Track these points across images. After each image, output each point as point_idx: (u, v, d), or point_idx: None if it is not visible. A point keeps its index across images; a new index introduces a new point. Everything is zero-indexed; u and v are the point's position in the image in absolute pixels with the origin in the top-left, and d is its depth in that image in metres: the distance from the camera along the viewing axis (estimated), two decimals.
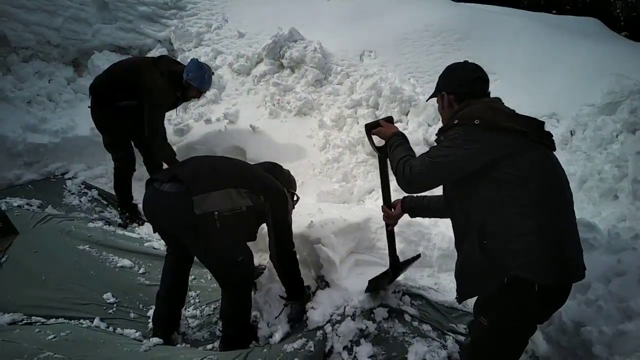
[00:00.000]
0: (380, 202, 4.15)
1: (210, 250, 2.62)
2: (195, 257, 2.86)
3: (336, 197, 4.23)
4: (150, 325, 2.92)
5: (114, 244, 3.60)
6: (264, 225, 2.95)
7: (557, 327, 2.55)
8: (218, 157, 3.11)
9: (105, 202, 4.57)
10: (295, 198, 3.19)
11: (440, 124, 2.35)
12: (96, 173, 4.83)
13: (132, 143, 4.28)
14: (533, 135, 2.02)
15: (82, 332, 2.71)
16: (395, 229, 2.88)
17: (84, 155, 4.87)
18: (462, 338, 2.84)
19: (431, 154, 2.06)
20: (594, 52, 5.42)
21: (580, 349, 2.41)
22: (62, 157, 4.79)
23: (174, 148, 4.26)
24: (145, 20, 6.41)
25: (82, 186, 4.65)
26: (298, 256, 3.22)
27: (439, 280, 3.39)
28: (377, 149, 2.57)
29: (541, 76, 5.14)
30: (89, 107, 4.14)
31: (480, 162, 1.95)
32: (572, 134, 4.42)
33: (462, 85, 2.21)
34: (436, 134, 2.28)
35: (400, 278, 3.16)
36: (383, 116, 4.76)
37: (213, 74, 4.18)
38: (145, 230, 4.02)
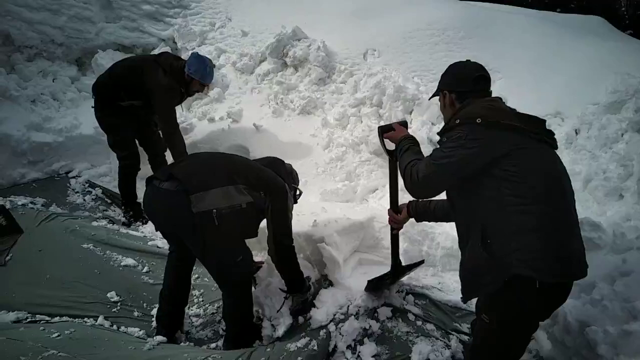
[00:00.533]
0: (384, 201, 4.18)
1: (209, 250, 2.60)
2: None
3: (340, 196, 4.22)
4: (154, 323, 2.93)
5: (118, 243, 3.61)
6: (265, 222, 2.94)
7: (561, 327, 2.54)
8: (217, 154, 3.09)
9: (109, 201, 4.58)
10: (297, 192, 3.17)
11: (443, 123, 2.34)
12: (100, 172, 4.84)
13: (137, 142, 4.29)
14: (534, 133, 2.04)
15: (86, 331, 2.71)
16: None
17: (88, 154, 4.88)
18: (466, 338, 2.83)
19: (435, 156, 2.05)
20: (598, 50, 5.39)
21: (584, 349, 2.41)
22: (66, 156, 4.80)
23: None
24: (149, 19, 6.43)
25: (86, 185, 4.66)
26: (302, 255, 3.22)
27: (442, 280, 3.38)
28: (388, 152, 2.55)
29: (546, 75, 5.12)
30: (92, 107, 4.15)
31: (483, 160, 1.95)
32: (576, 133, 4.40)
33: (463, 84, 2.22)
34: (438, 134, 2.28)
35: (403, 278, 3.16)
36: (387, 115, 4.79)
37: (214, 66, 4.17)
38: (149, 229, 4.02)
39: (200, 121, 5.22)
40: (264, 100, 5.35)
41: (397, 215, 2.72)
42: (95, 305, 3.01)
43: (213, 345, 2.93)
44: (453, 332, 2.90)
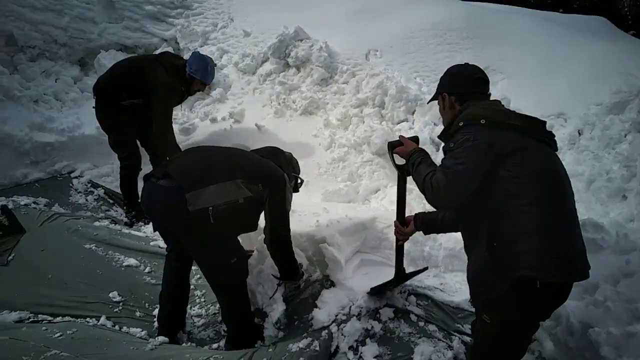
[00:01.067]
0: (386, 202, 4.18)
1: (203, 249, 2.58)
2: None
3: (342, 197, 4.22)
4: (156, 324, 2.93)
5: (120, 243, 3.61)
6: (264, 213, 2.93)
7: (564, 328, 2.53)
8: (214, 148, 3.01)
9: (111, 201, 4.58)
10: (299, 181, 3.14)
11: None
12: (102, 172, 4.84)
13: (138, 142, 4.29)
14: (536, 133, 2.04)
15: (89, 331, 2.71)
16: None
17: (90, 154, 4.89)
18: (468, 339, 2.83)
19: (447, 164, 2.00)
20: (601, 51, 5.39)
21: (587, 351, 2.40)
22: (69, 156, 4.81)
23: (180, 147, 4.26)
24: (152, 19, 6.44)
25: (89, 185, 4.66)
26: (304, 255, 3.22)
27: (445, 281, 3.37)
28: (397, 167, 2.54)
29: (548, 75, 5.12)
30: (93, 107, 4.16)
31: (490, 160, 1.95)
32: (579, 134, 4.39)
33: (463, 86, 2.23)
34: (439, 137, 2.28)
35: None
36: (389, 115, 4.79)
37: (216, 65, 4.16)
38: (151, 229, 4.01)
39: (202, 121, 5.23)
40: (266, 101, 5.35)
41: (404, 228, 2.69)
42: (97, 306, 3.01)
43: (215, 345, 2.93)
44: (455, 333, 2.90)
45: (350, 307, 2.92)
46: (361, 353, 2.74)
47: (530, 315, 2.01)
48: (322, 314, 2.86)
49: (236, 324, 2.81)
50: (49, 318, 2.84)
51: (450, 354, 2.76)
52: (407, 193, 2.69)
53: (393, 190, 4.23)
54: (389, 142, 2.47)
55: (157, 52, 5.97)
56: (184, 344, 2.89)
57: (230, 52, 6.03)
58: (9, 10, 5.61)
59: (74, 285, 3.12)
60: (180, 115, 5.33)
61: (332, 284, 3.12)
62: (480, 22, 5.90)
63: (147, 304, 3.13)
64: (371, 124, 4.64)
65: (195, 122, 5.18)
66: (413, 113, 4.75)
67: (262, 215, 2.86)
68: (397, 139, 2.48)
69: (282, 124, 5.04)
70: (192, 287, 3.31)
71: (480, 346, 2.19)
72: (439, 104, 2.35)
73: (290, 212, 3.33)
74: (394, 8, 6.27)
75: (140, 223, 4.26)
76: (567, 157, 4.23)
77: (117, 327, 2.89)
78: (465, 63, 2.37)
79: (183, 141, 4.88)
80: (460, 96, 2.22)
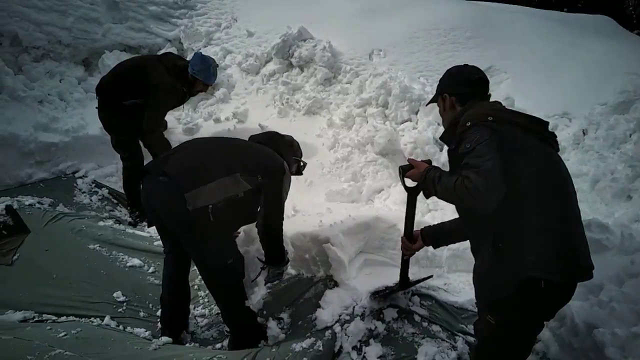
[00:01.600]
0: (390, 202, 4.17)
1: (201, 249, 2.58)
2: None
3: (345, 197, 4.22)
4: (160, 324, 2.93)
5: (124, 243, 3.62)
6: None
7: (569, 329, 2.52)
8: (210, 142, 2.95)
9: (115, 201, 4.59)
10: (301, 164, 3.11)
11: None
12: (106, 172, 4.85)
13: (141, 142, 4.29)
14: (539, 133, 2.04)
15: (93, 330, 2.72)
16: None
17: (94, 154, 4.90)
18: (472, 339, 2.82)
19: (475, 163, 1.89)
20: (606, 50, 5.36)
21: (592, 351, 2.39)
22: (73, 156, 4.82)
23: (170, 143, 4.21)
24: (155, 19, 6.45)
25: (93, 185, 4.67)
26: (307, 255, 3.22)
27: (448, 281, 3.36)
28: (408, 189, 2.51)
29: (553, 75, 5.10)
30: (96, 107, 4.17)
31: (503, 156, 1.90)
32: (584, 134, 4.37)
33: (463, 86, 2.22)
34: (441, 139, 2.25)
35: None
36: (392, 115, 4.78)
37: (218, 66, 4.15)
38: (155, 229, 4.03)
39: (206, 121, 5.23)
40: (269, 101, 5.35)
41: (412, 244, 2.68)
42: (101, 305, 3.02)
43: (218, 345, 2.93)
44: (459, 334, 2.89)
45: (354, 307, 2.92)
46: (365, 353, 2.74)
47: (535, 315, 2.01)
48: (325, 314, 2.86)
49: (237, 324, 2.81)
50: (54, 318, 2.85)
51: (454, 355, 2.76)
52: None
53: (396, 190, 4.24)
54: (400, 167, 2.40)
55: (161, 52, 5.98)
56: (187, 344, 2.89)
57: (233, 52, 6.03)
58: (13, 11, 5.63)
59: (78, 285, 3.13)
60: (184, 115, 5.34)
61: (336, 284, 3.12)
62: (484, 22, 5.88)
63: (151, 304, 3.14)
64: (375, 124, 4.63)
65: (199, 122, 5.19)
66: (417, 113, 4.74)
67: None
68: (407, 163, 2.37)
69: (285, 124, 5.04)
70: (195, 287, 3.32)
71: (484, 347, 2.19)
72: (438, 105, 2.34)
73: (292, 209, 3.34)
74: (397, 8, 6.26)
75: (144, 223, 4.27)
76: (571, 157, 4.22)
77: (121, 327, 2.90)
78: (464, 64, 2.37)
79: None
80: (461, 97, 2.21)
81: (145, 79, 3.90)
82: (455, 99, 2.22)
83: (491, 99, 2.28)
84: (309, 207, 3.57)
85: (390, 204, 4.13)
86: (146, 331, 2.90)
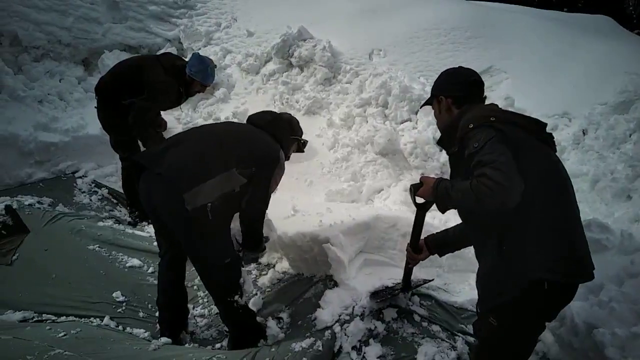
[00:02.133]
0: (390, 202, 4.17)
1: (200, 248, 2.58)
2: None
3: (345, 197, 4.21)
4: (159, 326, 2.93)
5: (124, 243, 3.62)
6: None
7: (569, 329, 2.52)
8: (206, 135, 2.78)
9: (115, 201, 4.60)
10: (302, 142, 3.09)
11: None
12: (106, 172, 4.85)
13: (140, 142, 4.29)
14: (538, 133, 2.03)
15: (92, 330, 2.72)
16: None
17: (94, 154, 4.90)
18: (471, 339, 2.82)
19: (488, 160, 1.82)
20: (606, 50, 5.37)
21: (592, 351, 2.39)
22: (73, 156, 4.82)
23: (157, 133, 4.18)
24: (155, 19, 6.46)
25: (93, 185, 4.68)
26: (306, 255, 3.21)
27: (448, 281, 3.36)
28: (418, 205, 2.50)
29: (553, 75, 5.10)
30: (95, 107, 4.17)
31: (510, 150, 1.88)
32: (584, 133, 4.38)
33: (460, 89, 2.19)
34: (438, 143, 2.23)
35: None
36: (392, 115, 4.78)
37: (216, 66, 4.13)
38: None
39: (205, 121, 5.23)
40: (269, 101, 5.35)
41: (417, 255, 2.67)
42: (101, 306, 3.02)
43: (218, 345, 2.93)
44: (459, 334, 2.89)
45: (354, 307, 2.91)
46: (364, 353, 2.74)
47: (538, 316, 2.00)
48: (325, 314, 2.85)
49: (236, 324, 2.81)
50: (53, 318, 2.85)
51: (454, 354, 2.75)
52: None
53: (396, 190, 4.24)
54: (411, 185, 2.37)
55: (161, 52, 5.99)
56: (187, 345, 2.89)
57: (233, 52, 6.04)
58: (13, 11, 5.63)
59: (77, 285, 3.12)
60: (184, 115, 5.34)
61: (336, 284, 3.12)
62: (484, 22, 5.89)
63: (150, 305, 3.14)
64: (375, 124, 4.63)
65: (199, 122, 5.18)
66: (416, 113, 4.74)
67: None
68: (419, 181, 2.29)
69: None
70: (194, 287, 3.32)
71: (485, 348, 2.17)
72: (433, 107, 2.30)
73: (292, 209, 3.32)
74: (397, 7, 6.27)
75: (143, 223, 4.27)
76: (571, 157, 4.22)
77: (120, 328, 2.89)
78: (459, 66, 2.34)
79: None
80: (458, 99, 2.18)
81: (143, 78, 3.90)
82: (451, 101, 2.19)
83: (491, 99, 2.27)
84: (309, 206, 3.56)
85: (390, 203, 4.13)
86: (145, 332, 2.90)
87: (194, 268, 3.25)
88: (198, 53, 4.20)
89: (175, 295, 2.89)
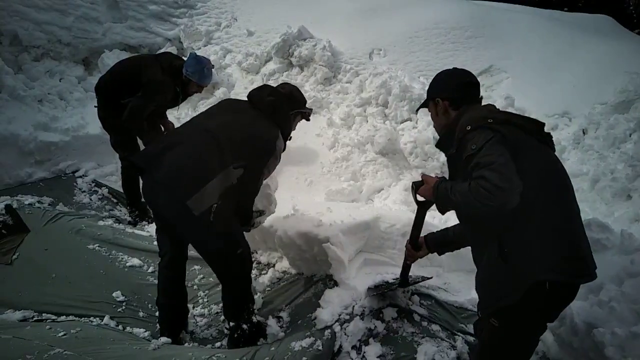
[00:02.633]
0: (390, 201, 4.17)
1: (211, 244, 2.60)
2: (190, 254, 2.86)
3: (345, 196, 4.21)
4: (159, 325, 2.93)
5: (124, 243, 3.62)
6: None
7: (568, 329, 2.52)
8: (201, 133, 2.66)
9: (115, 200, 4.60)
10: (306, 112, 3.01)
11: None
12: (106, 171, 4.86)
13: (140, 141, 4.29)
14: (537, 133, 2.02)
15: (92, 330, 2.72)
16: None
17: (94, 154, 4.91)
18: (471, 338, 2.82)
19: (486, 162, 1.81)
20: (606, 50, 5.37)
21: (592, 351, 2.39)
22: (73, 155, 4.83)
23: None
24: (155, 19, 6.46)
25: (93, 184, 4.68)
26: (306, 255, 3.22)
27: (448, 280, 3.36)
28: (419, 203, 2.50)
29: (553, 74, 5.10)
30: (95, 106, 4.17)
31: (510, 152, 1.87)
32: (584, 133, 4.38)
33: (457, 90, 2.18)
34: (437, 146, 2.22)
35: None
36: (392, 115, 4.78)
37: (213, 67, 4.10)
38: (155, 228, 4.03)
39: None
40: None
41: (416, 252, 2.68)
42: (100, 305, 3.02)
43: (217, 344, 2.93)
44: (459, 333, 2.89)
45: (354, 306, 2.91)
46: (364, 353, 2.74)
47: (539, 317, 1.99)
48: (325, 314, 2.85)
49: (240, 319, 2.81)
50: (53, 317, 2.85)
51: (454, 354, 2.75)
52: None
53: (396, 189, 4.24)
54: (413, 183, 2.38)
55: (160, 51, 5.99)
56: (186, 344, 2.89)
57: (233, 51, 6.04)
58: (13, 10, 5.64)
59: (77, 285, 3.12)
60: (184, 115, 5.34)
61: (336, 284, 3.12)
62: (484, 21, 5.89)
63: (150, 304, 3.13)
64: (375, 123, 4.63)
65: None
66: (416, 112, 4.73)
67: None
68: (420, 179, 2.31)
69: None
70: (195, 287, 3.32)
71: (486, 349, 2.16)
72: (430, 109, 2.29)
73: (292, 208, 3.31)
74: (397, 7, 6.27)
75: (143, 222, 4.27)
76: (571, 157, 4.22)
77: (120, 327, 2.89)
78: (454, 67, 2.33)
79: None
80: (455, 101, 2.16)
81: (141, 76, 3.89)
82: (448, 103, 2.18)
83: (492, 99, 2.27)
84: (309, 206, 3.56)
85: (390, 203, 4.13)
86: (145, 331, 2.90)
87: (193, 268, 3.26)
88: (195, 53, 4.16)
89: (175, 295, 2.89)
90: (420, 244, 2.64)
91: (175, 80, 3.96)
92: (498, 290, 1.98)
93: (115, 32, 6.21)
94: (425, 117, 4.60)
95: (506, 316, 1.98)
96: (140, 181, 4.26)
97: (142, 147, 4.31)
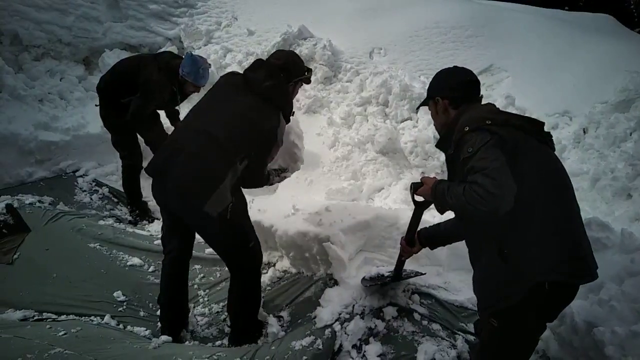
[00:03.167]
0: (390, 200, 4.17)
1: (225, 239, 2.66)
2: (193, 253, 2.91)
3: (345, 195, 4.21)
4: (160, 324, 2.93)
5: (124, 242, 3.62)
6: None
7: (569, 328, 2.52)
8: (202, 134, 2.58)
9: (115, 200, 4.60)
10: (307, 76, 2.90)
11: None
12: (107, 170, 4.86)
13: (141, 140, 4.29)
14: (537, 134, 2.01)
15: (93, 329, 2.72)
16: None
17: (95, 153, 4.91)
18: (472, 338, 2.82)
19: (480, 166, 1.81)
20: (607, 49, 5.36)
21: (592, 350, 2.39)
22: (74, 155, 4.83)
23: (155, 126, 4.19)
24: (156, 18, 6.46)
25: (93, 184, 4.68)
26: (307, 254, 3.22)
27: (448, 279, 3.36)
28: (417, 203, 2.51)
29: (554, 73, 5.10)
30: (96, 105, 4.17)
31: (507, 158, 1.86)
32: (585, 132, 4.37)
33: (457, 89, 2.17)
34: (437, 146, 2.22)
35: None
36: (393, 114, 4.78)
37: (210, 66, 4.08)
38: (155, 227, 4.04)
39: None
40: None
41: (411, 248, 2.68)
42: (101, 304, 3.02)
43: (218, 343, 2.93)
44: (459, 332, 2.89)
45: (354, 305, 2.92)
46: (365, 352, 2.74)
47: (539, 317, 1.99)
48: (325, 313, 2.85)
49: (244, 314, 2.81)
50: (54, 316, 2.86)
51: (454, 353, 2.75)
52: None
53: (397, 189, 4.24)
54: (412, 183, 2.39)
55: (160, 51, 5.98)
56: (187, 343, 2.90)
57: (234, 50, 6.03)
58: (13, 10, 5.64)
59: (78, 284, 3.13)
60: (184, 114, 5.33)
61: (336, 283, 3.12)
62: (484, 20, 5.88)
63: (150, 304, 3.14)
64: (375, 123, 4.63)
65: None
66: (417, 111, 4.74)
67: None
68: (419, 180, 2.32)
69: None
70: (195, 286, 3.33)
71: (486, 349, 2.16)
72: (430, 108, 2.29)
73: (292, 208, 3.31)
74: (397, 6, 6.26)
75: (144, 222, 4.28)
76: (572, 156, 4.22)
77: (121, 326, 2.90)
78: (454, 66, 2.32)
79: None
80: (454, 100, 2.15)
81: (138, 77, 3.89)
82: (448, 102, 2.17)
83: (492, 98, 2.27)
84: (309, 205, 3.56)
85: (390, 202, 4.13)
86: (146, 330, 2.90)
87: (194, 267, 3.27)
88: (191, 53, 4.13)
89: (176, 294, 2.90)
90: (414, 240, 2.65)
91: (172, 80, 3.94)
92: (498, 291, 1.97)
93: (116, 32, 6.21)
94: (425, 116, 4.60)
95: (506, 316, 1.97)
96: (141, 181, 4.32)
97: (142, 146, 4.33)
